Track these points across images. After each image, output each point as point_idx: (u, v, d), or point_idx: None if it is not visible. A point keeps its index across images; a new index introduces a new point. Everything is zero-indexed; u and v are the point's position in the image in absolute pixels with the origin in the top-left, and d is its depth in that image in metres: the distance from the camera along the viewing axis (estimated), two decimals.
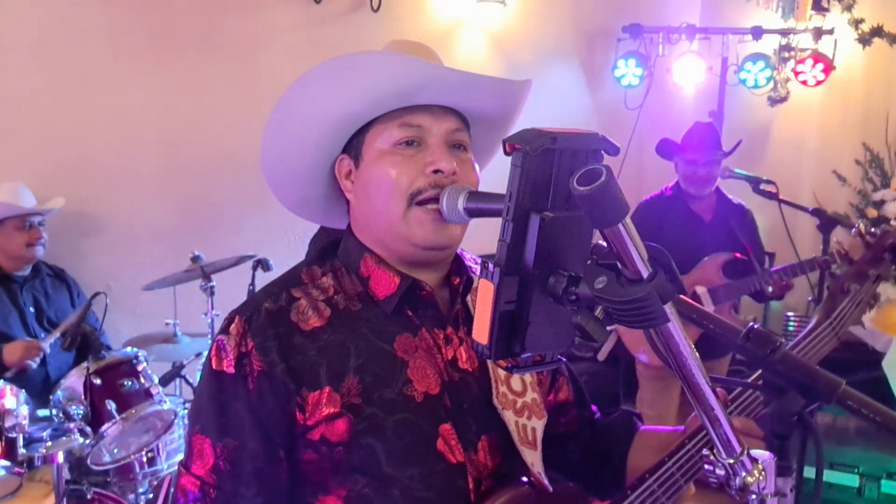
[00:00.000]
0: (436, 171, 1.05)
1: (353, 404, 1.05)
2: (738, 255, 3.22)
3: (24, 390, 2.58)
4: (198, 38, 3.61)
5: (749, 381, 1.06)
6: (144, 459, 2.62)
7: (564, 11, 4.81)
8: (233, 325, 1.07)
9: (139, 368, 2.68)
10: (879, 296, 1.31)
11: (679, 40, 4.73)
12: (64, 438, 2.41)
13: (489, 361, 1.14)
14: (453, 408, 1.10)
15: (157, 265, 3.14)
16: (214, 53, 3.65)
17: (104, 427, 2.50)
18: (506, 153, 0.73)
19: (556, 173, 0.72)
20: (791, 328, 4.49)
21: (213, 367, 1.07)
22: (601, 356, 3.64)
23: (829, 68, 4.55)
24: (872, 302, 1.31)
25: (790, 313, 4.62)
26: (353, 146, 1.12)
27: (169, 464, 2.69)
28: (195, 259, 3.04)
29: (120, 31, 3.45)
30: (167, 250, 3.39)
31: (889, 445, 3.43)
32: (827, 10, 4.66)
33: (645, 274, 0.67)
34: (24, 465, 2.36)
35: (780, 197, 3.09)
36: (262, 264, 3.06)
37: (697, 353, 0.78)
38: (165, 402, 2.68)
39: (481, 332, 0.73)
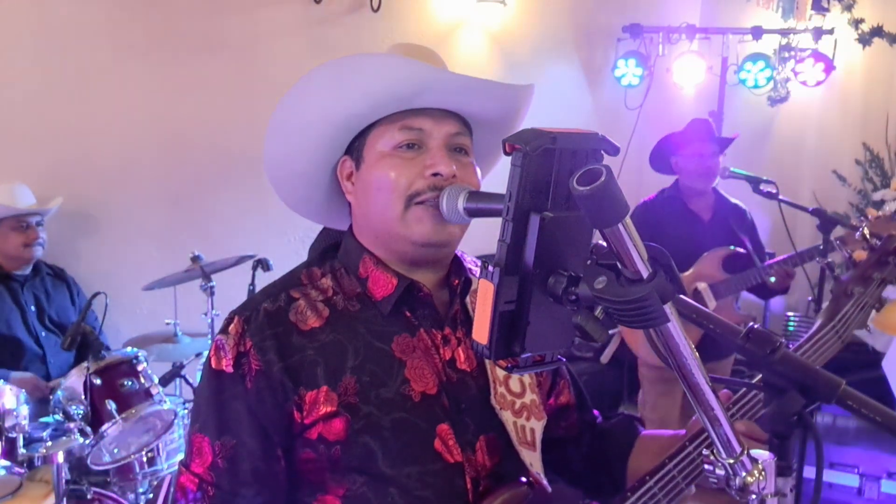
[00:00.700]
0: (435, 174, 1.06)
1: (350, 403, 1.05)
2: (737, 249, 3.23)
3: (24, 390, 2.58)
4: (198, 38, 3.61)
5: (749, 381, 1.06)
6: (144, 459, 2.62)
7: (564, 11, 4.81)
8: (232, 325, 1.09)
9: (139, 368, 2.68)
10: (886, 300, 1.30)
11: (679, 40, 4.73)
12: (64, 438, 2.41)
13: (488, 362, 1.14)
14: (451, 408, 1.10)
15: (157, 265, 3.14)
16: (214, 53, 3.65)
17: (104, 427, 2.50)
18: (506, 153, 0.73)
19: (556, 173, 0.72)
20: (791, 328, 4.49)
21: (213, 366, 1.08)
22: (604, 358, 3.63)
23: (829, 68, 4.55)
24: (878, 306, 1.30)
25: (790, 313, 4.62)
26: (355, 148, 1.13)
27: (169, 464, 2.69)
28: (195, 259, 3.04)
29: (120, 31, 3.45)
30: (167, 250, 3.40)
31: (889, 445, 3.43)
32: (827, 10, 4.66)
33: (645, 274, 0.67)
34: (24, 465, 2.36)
35: (780, 197, 3.09)
36: (262, 264, 3.06)
37: (699, 355, 0.78)
38: (165, 402, 2.68)
39: (481, 332, 0.73)
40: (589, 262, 0.71)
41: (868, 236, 1.35)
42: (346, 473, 1.05)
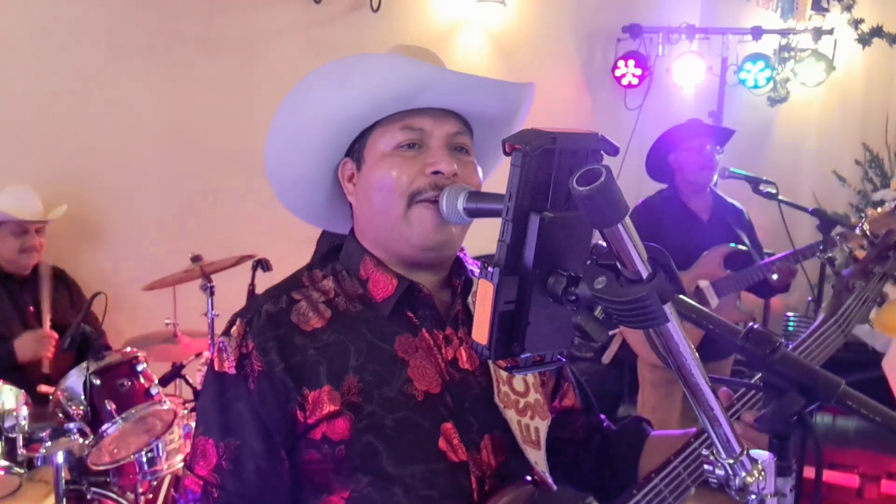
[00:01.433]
0: (436, 173, 1.06)
1: (353, 403, 1.05)
2: (738, 246, 3.23)
3: (24, 390, 2.58)
4: (198, 38, 3.61)
5: (749, 381, 1.06)
6: (144, 459, 2.62)
7: (564, 11, 4.81)
8: (234, 328, 1.09)
9: (139, 369, 2.68)
10: (887, 295, 1.30)
11: (679, 40, 4.74)
12: (64, 438, 2.41)
13: (490, 362, 1.14)
14: (455, 407, 1.10)
15: (157, 265, 3.14)
16: (214, 53, 3.65)
17: (104, 427, 2.50)
18: (505, 153, 0.73)
19: (556, 173, 0.72)
20: (791, 328, 4.49)
21: (215, 368, 1.09)
22: (606, 358, 3.63)
23: (828, 68, 4.55)
24: (880, 300, 1.30)
25: (790, 313, 4.62)
26: (356, 149, 1.14)
27: (169, 464, 2.69)
28: (195, 259, 3.04)
29: (119, 32, 3.44)
30: (167, 250, 3.39)
31: (889, 445, 3.43)
32: (827, 10, 4.67)
33: (644, 274, 0.67)
34: (24, 465, 2.36)
35: (780, 197, 3.09)
36: (262, 264, 3.06)
37: (699, 355, 0.78)
38: (165, 402, 2.68)
39: (481, 332, 0.73)
40: (589, 262, 0.71)
41: (868, 232, 1.35)
42: (350, 474, 1.05)
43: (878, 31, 4.58)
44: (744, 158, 3.36)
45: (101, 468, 2.53)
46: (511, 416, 1.13)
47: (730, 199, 3.42)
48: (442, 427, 1.08)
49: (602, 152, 0.74)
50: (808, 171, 4.94)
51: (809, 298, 4.47)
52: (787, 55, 4.75)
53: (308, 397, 1.05)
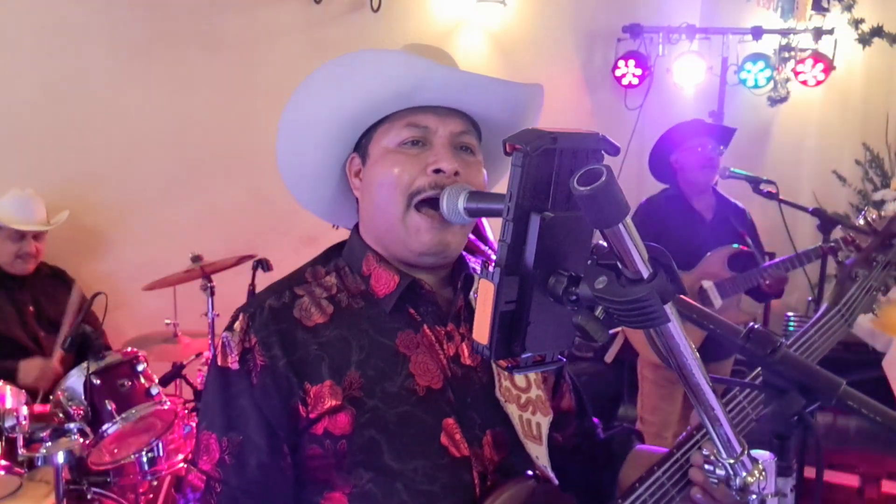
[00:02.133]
0: (437, 171, 1.06)
1: (355, 397, 1.06)
2: (743, 247, 3.23)
3: (24, 390, 2.58)
4: (198, 38, 3.61)
5: (748, 381, 1.06)
6: (144, 459, 2.62)
7: (564, 11, 4.81)
8: (237, 322, 1.10)
9: (139, 369, 2.68)
10: (891, 284, 1.30)
11: (679, 40, 4.73)
12: (64, 439, 2.41)
13: (493, 364, 1.14)
14: (457, 402, 1.10)
15: (157, 265, 3.14)
16: (214, 53, 3.65)
17: (104, 427, 2.50)
18: (506, 153, 0.73)
19: (557, 173, 0.72)
20: (791, 328, 4.49)
21: (219, 363, 1.09)
22: (608, 358, 3.63)
23: (829, 68, 4.55)
24: (884, 289, 1.30)
25: (790, 313, 4.62)
26: (362, 145, 1.15)
27: (169, 464, 2.69)
28: (195, 259, 3.04)
29: (120, 32, 3.45)
30: (167, 250, 3.39)
31: (889, 445, 3.43)
32: (827, 10, 4.66)
33: (645, 274, 0.67)
34: (25, 465, 2.36)
35: (780, 197, 3.09)
36: (262, 264, 3.06)
37: (699, 355, 0.78)
38: (165, 402, 2.68)
39: (481, 332, 0.73)
40: (589, 262, 0.71)
41: (870, 221, 1.35)
42: (352, 469, 1.06)
43: (878, 31, 4.58)
44: (744, 158, 3.36)
45: (101, 468, 2.53)
46: (512, 410, 1.14)
47: (733, 199, 3.42)
48: (444, 422, 1.09)
49: (603, 152, 0.74)
50: (809, 171, 4.94)
51: (809, 298, 4.48)
52: (787, 55, 4.75)
53: (310, 392, 1.05)
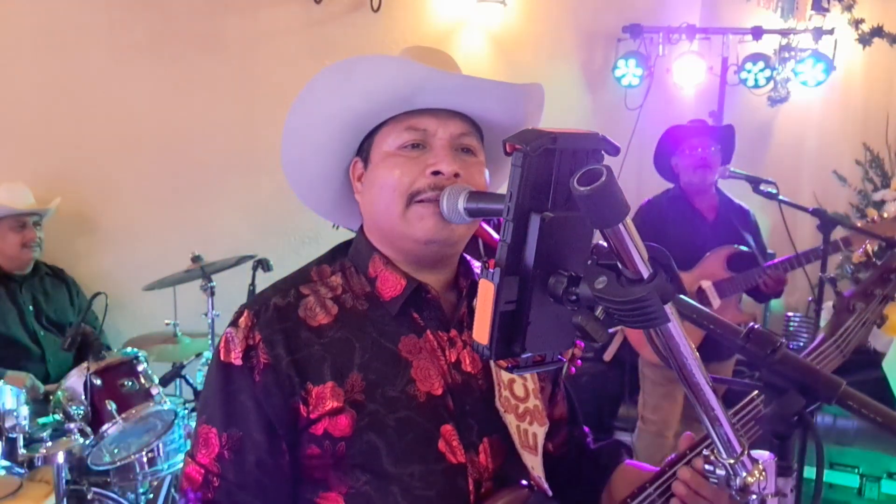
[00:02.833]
0: (436, 173, 1.06)
1: (356, 400, 1.06)
2: (742, 248, 3.24)
3: (24, 391, 2.58)
4: (198, 38, 3.61)
5: (748, 381, 1.06)
6: (144, 460, 2.62)
7: (565, 12, 4.81)
8: (242, 318, 1.10)
9: (139, 369, 2.68)
10: (887, 317, 1.31)
11: (679, 40, 4.73)
12: (64, 439, 2.41)
13: (493, 365, 1.15)
14: (456, 409, 1.11)
15: (157, 265, 3.14)
16: (214, 54, 3.65)
17: (104, 427, 2.50)
18: (506, 153, 0.73)
19: (557, 173, 0.72)
20: (792, 328, 4.50)
21: (222, 358, 1.09)
22: (607, 356, 3.64)
23: (829, 68, 4.55)
24: (879, 322, 1.31)
25: (791, 313, 4.62)
26: (364, 149, 1.15)
27: (169, 464, 2.69)
28: (195, 259, 3.04)
29: (120, 32, 3.45)
30: (167, 250, 3.39)
31: (889, 445, 3.43)
32: (827, 10, 4.66)
33: (645, 274, 0.67)
34: (25, 465, 2.37)
35: (780, 197, 3.09)
36: (262, 264, 3.06)
37: (700, 356, 0.78)
38: (166, 402, 2.68)
39: (481, 332, 0.73)
40: (589, 262, 0.71)
41: (871, 254, 1.36)
42: (349, 471, 1.06)
43: (878, 31, 4.57)
44: (744, 158, 3.35)
45: (101, 468, 2.53)
46: (511, 420, 1.14)
47: (737, 200, 3.42)
48: (442, 429, 1.09)
49: (602, 152, 0.74)
50: (809, 171, 4.94)
51: (809, 298, 4.47)
52: (787, 55, 4.75)
53: (312, 392, 1.06)
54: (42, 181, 3.25)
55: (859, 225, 3.11)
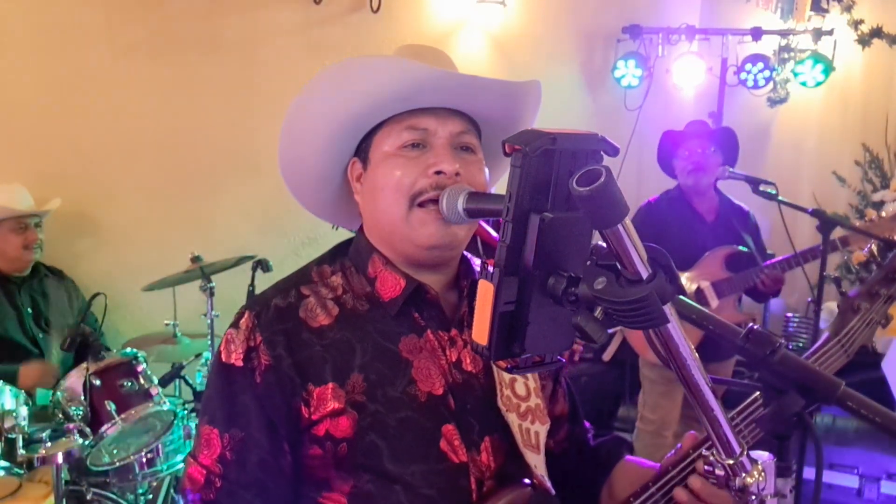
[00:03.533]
0: (437, 173, 1.06)
1: (357, 401, 1.06)
2: (740, 248, 3.24)
3: (23, 391, 2.58)
4: (197, 38, 3.61)
5: (748, 382, 1.06)
6: (144, 460, 2.62)
7: (564, 12, 4.81)
8: (243, 320, 1.10)
9: (139, 369, 2.68)
10: (892, 317, 1.31)
11: (679, 41, 4.73)
12: (63, 439, 2.41)
13: (493, 364, 1.15)
14: (457, 408, 1.11)
15: (157, 266, 3.14)
16: (214, 54, 3.65)
17: (104, 428, 2.50)
18: (505, 154, 0.73)
19: (556, 174, 0.72)
20: (791, 329, 4.49)
21: (223, 359, 1.09)
22: (606, 356, 3.64)
23: (828, 69, 4.55)
24: (884, 322, 1.31)
25: (790, 314, 4.62)
26: (363, 149, 1.15)
27: (168, 465, 2.69)
28: (195, 259, 3.04)
29: (119, 32, 3.45)
30: (167, 251, 3.39)
31: (889, 446, 3.43)
32: (826, 10, 4.66)
33: (644, 275, 0.67)
34: (24, 465, 2.36)
35: (780, 198, 3.09)
36: (262, 265, 3.06)
37: (700, 356, 0.78)
38: (165, 402, 2.68)
39: (481, 332, 0.73)
40: (589, 262, 0.71)
41: (875, 253, 1.36)
42: (351, 471, 1.06)
43: (877, 32, 4.57)
44: (743, 159, 3.35)
45: (100, 469, 2.53)
46: (512, 419, 1.14)
47: (736, 201, 3.42)
48: (443, 428, 1.09)
49: (602, 153, 0.74)
50: (808, 172, 4.94)
51: (809, 299, 4.47)
52: (786, 56, 4.75)
53: (313, 393, 1.06)
54: (41, 182, 3.25)
55: (858, 225, 3.11)
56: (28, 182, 3.17)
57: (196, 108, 3.63)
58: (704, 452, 0.91)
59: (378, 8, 3.98)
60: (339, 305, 1.12)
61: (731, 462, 0.86)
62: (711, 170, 3.25)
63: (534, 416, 1.18)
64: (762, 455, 0.87)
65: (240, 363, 1.07)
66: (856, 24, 4.64)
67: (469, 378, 1.14)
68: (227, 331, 1.11)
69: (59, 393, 2.63)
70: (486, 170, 1.14)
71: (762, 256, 3.35)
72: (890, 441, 3.26)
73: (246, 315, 1.10)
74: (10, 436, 2.36)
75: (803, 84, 4.65)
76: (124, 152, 3.50)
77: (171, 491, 2.78)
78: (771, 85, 4.74)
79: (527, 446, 1.14)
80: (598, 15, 4.92)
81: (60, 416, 2.55)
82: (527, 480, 1.13)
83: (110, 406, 2.52)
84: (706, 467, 0.91)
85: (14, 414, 2.39)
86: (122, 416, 2.53)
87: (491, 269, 0.72)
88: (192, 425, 2.83)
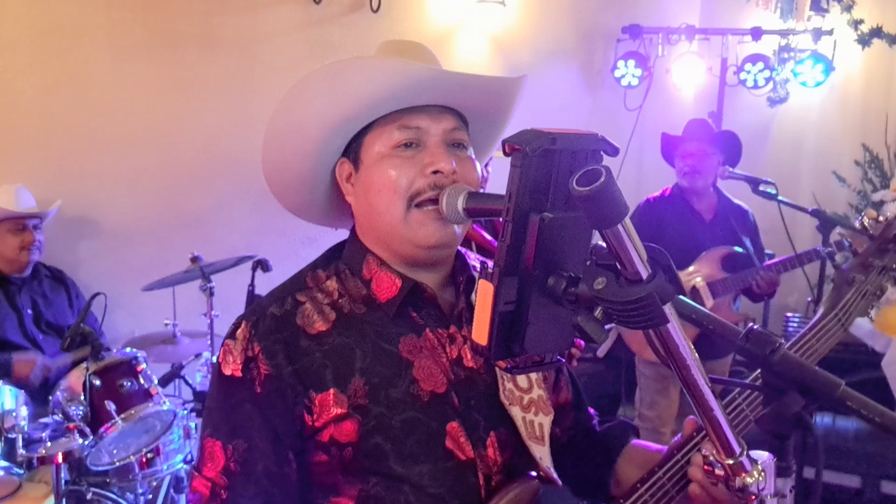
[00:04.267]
0: (435, 172, 1.06)
1: (360, 405, 1.06)
2: (737, 249, 3.24)
3: (23, 391, 2.58)
4: (197, 38, 3.62)
5: (748, 381, 1.06)
6: (144, 460, 2.62)
7: (564, 12, 4.81)
8: (239, 331, 1.09)
9: (139, 369, 2.68)
10: (886, 287, 1.30)
11: (678, 41, 4.73)
12: (63, 439, 2.41)
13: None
14: (460, 405, 1.10)
15: (157, 266, 3.14)
16: (213, 53, 3.65)
17: (103, 428, 2.50)
18: (505, 154, 0.73)
19: (556, 174, 0.72)
20: (791, 329, 4.49)
21: (222, 371, 1.09)
22: (600, 353, 3.65)
23: (828, 69, 4.55)
24: (879, 293, 1.30)
25: (790, 314, 4.62)
26: (352, 149, 1.13)
27: (168, 465, 2.69)
28: (195, 259, 3.04)
29: (119, 32, 3.45)
30: (167, 251, 3.40)
31: (889, 446, 3.43)
32: (826, 10, 4.66)
33: (644, 275, 0.67)
34: (24, 465, 2.36)
35: (780, 198, 3.09)
36: (262, 264, 3.06)
37: (696, 353, 0.78)
38: (165, 402, 2.68)
39: (481, 332, 0.73)
40: (588, 262, 0.71)
41: (867, 225, 1.34)
42: (358, 474, 1.06)
43: (877, 32, 4.57)
44: (744, 159, 3.35)
45: (100, 469, 2.53)
46: (516, 412, 1.14)
47: (736, 201, 3.42)
48: (448, 426, 1.09)
49: (602, 153, 0.74)
50: (808, 172, 4.94)
51: (809, 299, 4.47)
52: (786, 56, 4.75)
53: (315, 400, 1.05)
54: (41, 182, 3.25)
55: (857, 226, 3.11)
56: (28, 182, 3.17)
57: (196, 107, 3.63)
58: (704, 452, 0.91)
59: (378, 8, 3.98)
60: (335, 310, 1.11)
61: (730, 462, 0.86)
62: (708, 172, 3.25)
63: (537, 407, 1.18)
64: (762, 455, 0.87)
65: (238, 374, 1.06)
66: (856, 23, 4.64)
67: (471, 374, 1.13)
68: (224, 342, 1.10)
69: (58, 393, 2.63)
70: (478, 165, 1.14)
71: (760, 256, 3.35)
72: (890, 441, 3.27)
73: (243, 325, 1.09)
74: (10, 436, 2.36)
75: (803, 84, 4.65)
76: (124, 152, 3.50)
77: (171, 491, 2.78)
78: (771, 85, 4.74)
79: (531, 438, 1.14)
80: (598, 15, 4.92)
81: (60, 415, 2.54)
82: (533, 473, 1.13)
83: (110, 406, 2.52)
84: (706, 467, 0.90)
85: (14, 414, 2.39)
86: (122, 416, 2.52)
87: (491, 268, 0.72)
88: (192, 425, 2.83)
